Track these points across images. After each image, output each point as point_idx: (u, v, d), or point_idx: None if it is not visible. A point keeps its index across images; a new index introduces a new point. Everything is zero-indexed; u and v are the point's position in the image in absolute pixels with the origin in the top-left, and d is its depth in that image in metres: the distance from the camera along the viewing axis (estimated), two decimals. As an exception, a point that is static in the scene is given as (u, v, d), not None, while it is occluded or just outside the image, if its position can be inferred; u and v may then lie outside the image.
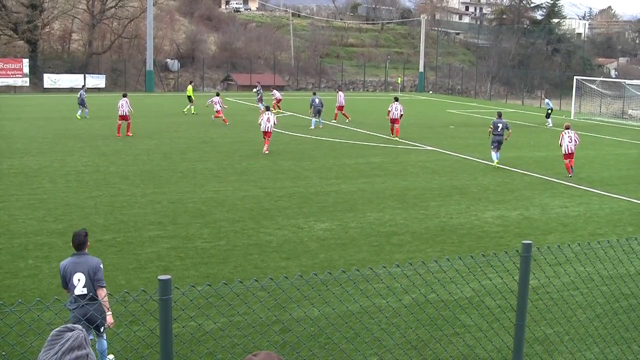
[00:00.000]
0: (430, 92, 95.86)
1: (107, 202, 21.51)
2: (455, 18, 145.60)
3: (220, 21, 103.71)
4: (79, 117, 46.67)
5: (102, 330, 10.13)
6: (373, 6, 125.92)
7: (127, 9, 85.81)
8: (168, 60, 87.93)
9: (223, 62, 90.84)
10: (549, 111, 52.19)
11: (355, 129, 43.17)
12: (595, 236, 19.20)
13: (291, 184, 25.15)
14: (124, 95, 39.08)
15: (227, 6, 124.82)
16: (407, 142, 37.70)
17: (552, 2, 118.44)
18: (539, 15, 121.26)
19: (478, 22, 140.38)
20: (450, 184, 26.17)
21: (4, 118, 45.57)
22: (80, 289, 9.88)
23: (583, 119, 59.09)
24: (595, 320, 12.39)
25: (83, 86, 54.61)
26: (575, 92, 61.18)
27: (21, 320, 8.85)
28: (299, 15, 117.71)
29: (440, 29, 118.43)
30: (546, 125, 50.98)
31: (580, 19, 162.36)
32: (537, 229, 19.85)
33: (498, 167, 30.41)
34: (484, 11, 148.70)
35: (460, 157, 33.36)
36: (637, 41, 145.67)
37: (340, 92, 49.93)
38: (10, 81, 74.23)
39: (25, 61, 76.21)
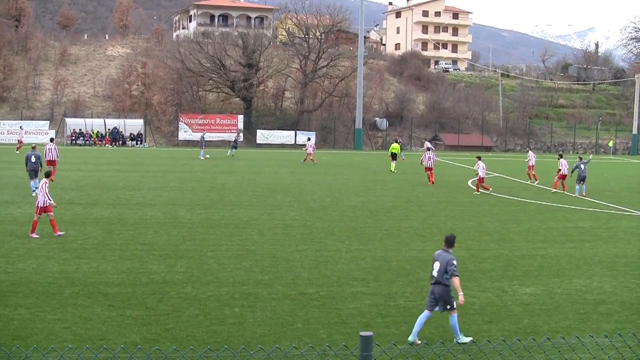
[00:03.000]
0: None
1: (312, 257, 21.87)
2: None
3: (429, 81, 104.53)
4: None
5: (448, 307, 13.83)
6: (584, 66, 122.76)
7: (338, 69, 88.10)
8: (377, 118, 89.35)
9: (431, 122, 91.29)
10: None
11: (563, 192, 41.76)
12: None
13: (496, 246, 24.61)
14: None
15: (436, 66, 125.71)
16: (618, 207, 36.11)
17: None
18: None
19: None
20: (667, 253, 24.74)
21: (219, 171, 47.76)
22: (435, 272, 13.98)
23: None
24: None
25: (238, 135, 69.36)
26: None
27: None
28: (508, 76, 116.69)
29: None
30: None
31: None
32: None
33: None
34: None
35: (678, 225, 31.53)
36: None
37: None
38: (225, 136, 77.98)
39: (240, 117, 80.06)
